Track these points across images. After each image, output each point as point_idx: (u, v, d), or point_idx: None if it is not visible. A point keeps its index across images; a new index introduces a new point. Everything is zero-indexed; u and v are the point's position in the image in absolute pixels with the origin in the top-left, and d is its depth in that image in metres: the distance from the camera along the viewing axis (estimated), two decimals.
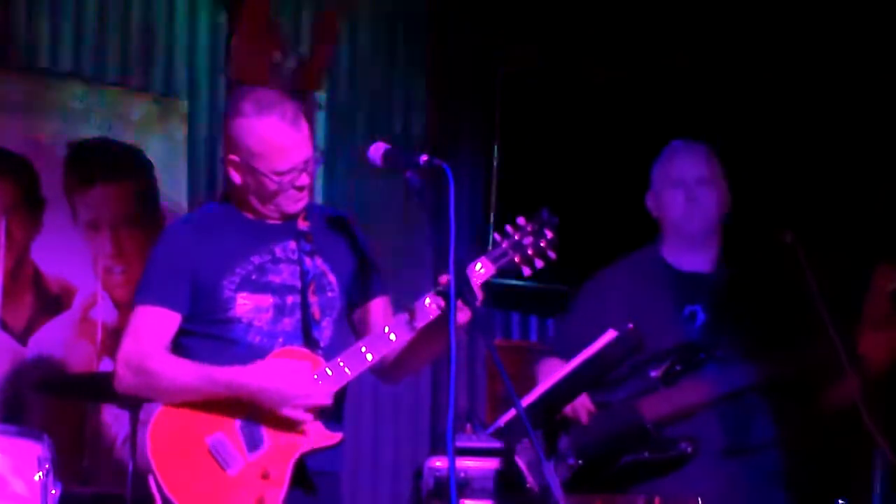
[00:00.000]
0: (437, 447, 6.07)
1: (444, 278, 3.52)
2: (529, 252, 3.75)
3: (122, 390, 3.79)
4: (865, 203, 5.99)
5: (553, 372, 4.16)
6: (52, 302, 5.56)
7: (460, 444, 5.67)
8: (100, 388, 4.98)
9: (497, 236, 3.77)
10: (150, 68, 5.83)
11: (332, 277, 3.80)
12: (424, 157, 3.48)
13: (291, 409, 3.59)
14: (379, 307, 3.87)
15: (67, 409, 5.51)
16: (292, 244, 3.77)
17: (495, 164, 6.38)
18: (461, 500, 4.19)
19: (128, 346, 3.69)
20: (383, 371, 3.86)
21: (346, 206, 6.21)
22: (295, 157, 3.66)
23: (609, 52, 6.56)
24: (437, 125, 6.48)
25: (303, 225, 3.80)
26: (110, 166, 5.73)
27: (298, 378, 3.61)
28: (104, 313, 5.62)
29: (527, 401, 3.97)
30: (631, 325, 3.98)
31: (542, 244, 3.75)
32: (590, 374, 4.07)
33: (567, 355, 4.15)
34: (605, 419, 4.24)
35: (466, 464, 5.62)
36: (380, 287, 3.88)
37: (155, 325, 3.69)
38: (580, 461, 4.20)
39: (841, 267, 4.46)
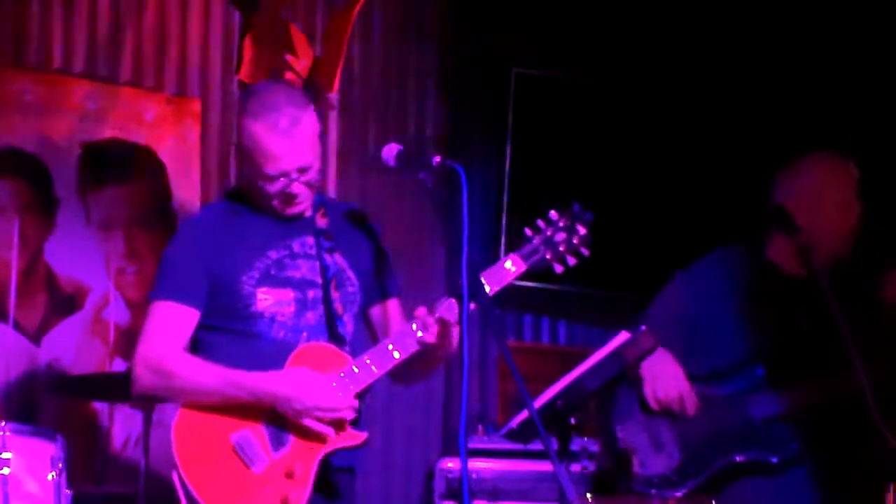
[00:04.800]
0: (449, 448, 6.07)
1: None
2: (562, 249, 3.73)
3: (140, 391, 3.77)
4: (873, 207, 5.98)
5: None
6: (65, 302, 5.56)
7: (472, 445, 5.70)
8: (112, 388, 4.99)
9: (528, 231, 3.74)
10: (164, 69, 5.84)
11: (351, 274, 3.81)
12: (437, 158, 3.49)
13: (313, 421, 3.59)
14: (395, 307, 3.88)
15: (80, 409, 5.52)
16: (310, 240, 3.78)
17: (507, 164, 6.38)
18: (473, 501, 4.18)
19: (145, 345, 3.68)
20: (397, 373, 3.85)
21: (358, 207, 6.23)
22: (285, 164, 3.66)
23: (621, 53, 6.55)
24: (450, 126, 6.48)
25: (321, 222, 3.81)
26: (123, 167, 5.74)
27: (323, 390, 3.60)
28: (117, 314, 5.63)
29: (539, 402, 3.96)
30: (644, 328, 3.96)
31: (574, 241, 3.74)
32: (601, 376, 4.06)
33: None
34: (711, 412, 4.21)
35: (478, 465, 5.64)
36: (396, 287, 3.89)
37: (172, 322, 3.68)
38: (682, 455, 4.19)
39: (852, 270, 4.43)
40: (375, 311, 3.87)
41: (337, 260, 3.78)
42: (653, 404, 4.21)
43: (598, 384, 4.03)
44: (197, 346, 3.72)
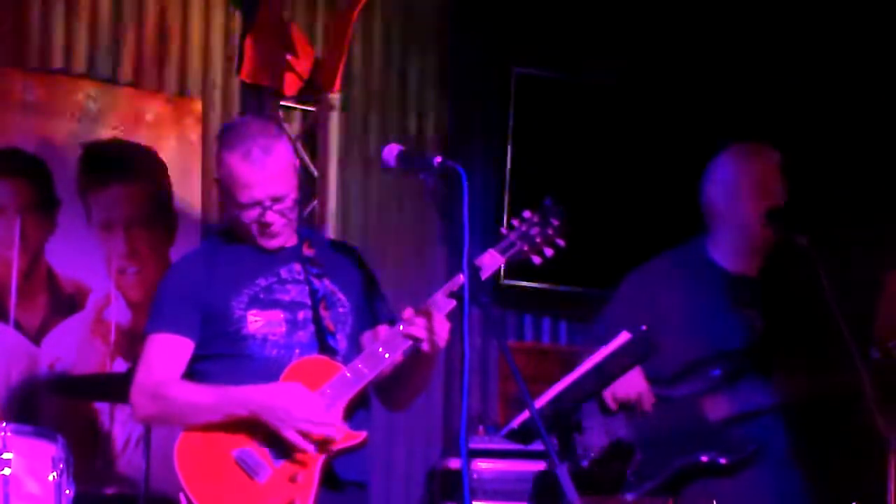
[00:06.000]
0: (450, 449, 6.07)
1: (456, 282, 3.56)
2: (538, 241, 3.79)
3: (142, 419, 3.96)
4: (878, 206, 5.98)
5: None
6: (65, 302, 5.56)
7: (473, 445, 5.70)
8: (113, 388, 4.99)
9: (504, 230, 3.80)
10: (164, 69, 5.84)
11: (341, 296, 3.86)
12: (438, 159, 3.49)
13: (296, 434, 3.61)
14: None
15: (81, 409, 5.52)
16: (297, 266, 3.84)
17: (508, 164, 6.38)
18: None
19: (141, 375, 3.74)
20: (389, 394, 3.89)
21: (360, 207, 6.23)
22: (257, 192, 3.72)
23: (621, 53, 6.56)
24: (450, 126, 6.48)
25: (308, 252, 3.86)
26: (124, 167, 5.74)
27: (311, 405, 3.62)
28: (118, 314, 5.63)
29: (540, 402, 3.96)
30: (644, 327, 3.96)
31: (549, 232, 3.80)
32: (602, 377, 4.06)
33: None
34: (668, 414, 4.22)
35: (479, 465, 5.65)
36: (387, 312, 3.91)
37: (167, 352, 3.74)
38: (641, 455, 4.20)
39: (854, 271, 4.43)
40: (368, 337, 3.89)
41: (326, 284, 3.83)
42: (611, 404, 4.23)
43: (599, 385, 4.03)
44: (194, 376, 3.76)
